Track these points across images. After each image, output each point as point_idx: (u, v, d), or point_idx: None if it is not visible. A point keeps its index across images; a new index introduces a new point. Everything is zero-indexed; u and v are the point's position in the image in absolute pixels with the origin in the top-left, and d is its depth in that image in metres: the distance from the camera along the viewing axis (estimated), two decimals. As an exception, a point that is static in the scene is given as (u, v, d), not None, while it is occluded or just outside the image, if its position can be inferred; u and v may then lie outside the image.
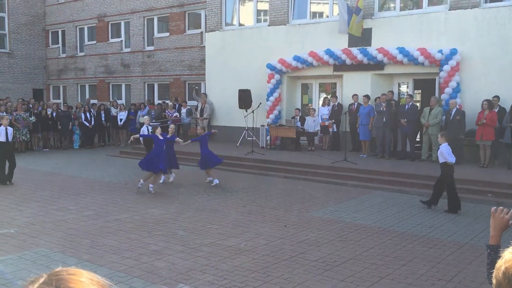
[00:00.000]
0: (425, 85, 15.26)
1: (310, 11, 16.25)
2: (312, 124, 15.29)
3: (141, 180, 10.41)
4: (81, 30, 25.33)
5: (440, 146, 8.76)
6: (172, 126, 11.87)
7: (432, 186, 10.25)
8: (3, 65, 24.94)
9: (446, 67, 12.95)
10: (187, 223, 7.77)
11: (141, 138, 12.48)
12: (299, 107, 16.42)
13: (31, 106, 18.38)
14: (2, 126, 10.86)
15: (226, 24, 18.22)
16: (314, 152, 14.72)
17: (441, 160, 8.79)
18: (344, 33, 14.46)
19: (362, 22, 14.41)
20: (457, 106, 12.47)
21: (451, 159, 8.66)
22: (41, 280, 1.06)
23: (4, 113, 11.93)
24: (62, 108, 19.65)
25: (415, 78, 14.68)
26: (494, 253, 2.16)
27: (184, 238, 6.88)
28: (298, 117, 15.61)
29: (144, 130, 12.38)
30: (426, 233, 7.29)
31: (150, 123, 18.96)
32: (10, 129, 11.08)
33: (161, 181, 11.14)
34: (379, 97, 13.89)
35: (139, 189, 10.34)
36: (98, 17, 24.05)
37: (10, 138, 11.07)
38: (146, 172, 10.53)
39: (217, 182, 10.89)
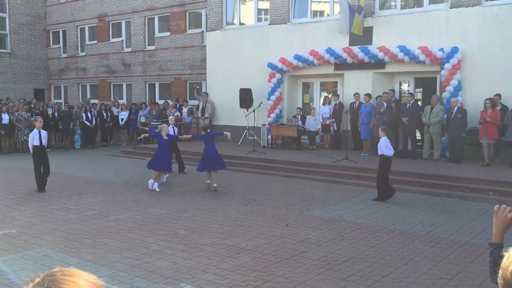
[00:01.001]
0: (426, 84, 15.24)
1: (311, 10, 16.23)
2: (313, 123, 15.28)
3: (151, 180, 10.51)
4: (82, 30, 25.35)
5: (380, 139, 9.35)
6: (171, 118, 12.21)
7: (433, 185, 10.28)
8: (4, 65, 24.97)
9: (447, 66, 12.93)
10: (188, 222, 7.77)
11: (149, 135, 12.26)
12: (300, 106, 16.41)
13: (32, 106, 18.39)
14: (35, 129, 10.08)
15: (227, 23, 18.21)
16: (315, 151, 14.70)
17: (379, 152, 9.39)
18: (345, 32, 14.44)
19: (363, 20, 14.39)
20: (459, 105, 12.45)
21: (388, 152, 9.26)
22: (36, 280, 1.05)
23: (38, 117, 11.13)
24: (63, 108, 19.66)
25: (416, 77, 14.66)
26: (496, 252, 2.16)
27: (185, 238, 6.88)
28: (299, 116, 15.60)
29: (170, 130, 12.22)
30: (427, 232, 7.28)
31: (152, 123, 19.02)
32: (44, 132, 10.13)
33: (163, 180, 11.12)
34: (380, 96, 13.87)
35: (155, 190, 10.38)
36: (99, 17, 24.06)
37: (44, 142, 10.15)
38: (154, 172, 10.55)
39: (164, 180, 10.90)
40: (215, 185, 10.32)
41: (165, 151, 10.62)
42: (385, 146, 9.25)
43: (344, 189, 10.77)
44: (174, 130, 12.27)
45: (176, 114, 18.82)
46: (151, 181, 10.42)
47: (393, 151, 9.49)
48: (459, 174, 10.64)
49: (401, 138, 13.69)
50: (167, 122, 18.78)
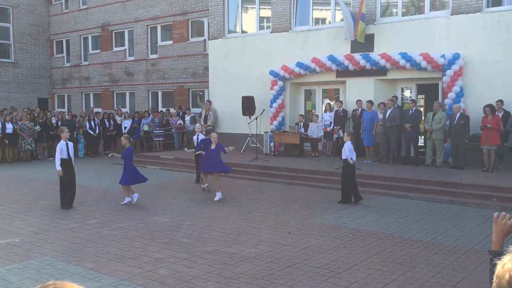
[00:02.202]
0: (428, 90, 15.24)
1: (312, 18, 16.30)
2: (315, 130, 15.29)
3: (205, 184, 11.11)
4: (85, 39, 25.51)
5: (345, 144, 9.76)
6: (198, 126, 12.40)
7: (435, 191, 10.26)
8: (8, 74, 25.12)
9: (449, 72, 12.95)
10: (190, 230, 7.77)
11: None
12: (303, 113, 16.43)
13: (36, 115, 18.49)
14: (62, 140, 9.39)
15: (229, 32, 18.30)
16: (318, 158, 14.71)
17: (343, 157, 9.76)
18: (350, 39, 14.47)
19: (365, 28, 14.44)
20: (461, 111, 12.45)
21: (352, 155, 9.66)
22: None
23: (64, 127, 10.31)
24: (66, 117, 19.75)
25: (418, 83, 14.67)
26: (496, 259, 2.16)
27: (188, 246, 6.88)
28: (301, 123, 15.62)
29: (195, 139, 12.20)
30: (430, 239, 7.26)
31: (155, 131, 19.09)
32: (70, 144, 9.56)
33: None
34: (383, 103, 13.89)
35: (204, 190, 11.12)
36: (102, 26, 24.22)
37: (72, 154, 9.51)
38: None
39: (136, 199, 9.85)
40: (205, 185, 11.11)
41: (215, 156, 10.62)
42: (348, 150, 9.65)
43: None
44: (198, 138, 12.15)
45: (178, 122, 18.91)
46: (219, 193, 10.22)
47: (355, 155, 9.95)
48: (461, 180, 10.62)
49: (404, 145, 13.68)
50: (170, 131, 18.85)
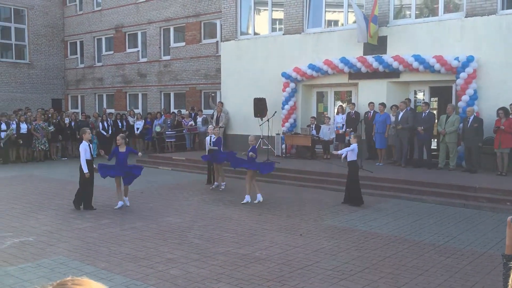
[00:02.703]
0: (442, 93, 15.13)
1: (325, 20, 16.27)
2: (327, 132, 15.25)
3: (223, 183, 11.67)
4: (99, 40, 25.74)
5: (351, 145, 9.81)
6: (210, 127, 12.53)
7: (448, 195, 10.18)
8: (23, 75, 25.43)
9: (463, 74, 12.84)
10: (202, 231, 7.80)
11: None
12: (315, 115, 16.40)
13: (50, 115, 18.69)
14: (84, 141, 9.36)
15: (242, 33, 18.34)
16: (329, 161, 14.66)
17: (349, 159, 9.85)
18: (363, 41, 14.40)
19: (377, 30, 14.38)
20: (475, 114, 12.33)
21: (352, 156, 9.79)
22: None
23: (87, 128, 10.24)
24: (80, 118, 19.94)
25: (431, 86, 14.56)
26: (511, 264, 2.14)
27: (199, 247, 6.91)
28: (313, 125, 15.59)
29: (207, 140, 12.19)
30: (443, 242, 7.20)
31: (167, 132, 19.18)
32: (92, 145, 9.62)
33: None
34: (395, 105, 13.82)
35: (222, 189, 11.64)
36: (115, 28, 24.42)
37: (94, 154, 9.57)
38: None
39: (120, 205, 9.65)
40: (216, 183, 11.77)
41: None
42: (352, 151, 9.77)
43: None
44: (211, 139, 12.24)
45: (190, 123, 18.98)
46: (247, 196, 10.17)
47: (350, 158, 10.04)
48: (475, 184, 10.51)
49: (416, 148, 13.59)
50: (181, 132, 18.93)
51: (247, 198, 10.12)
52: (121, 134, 10.46)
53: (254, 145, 10.59)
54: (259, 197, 10.17)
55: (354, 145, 9.80)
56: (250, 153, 10.26)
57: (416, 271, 5.94)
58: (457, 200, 10.00)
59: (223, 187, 11.79)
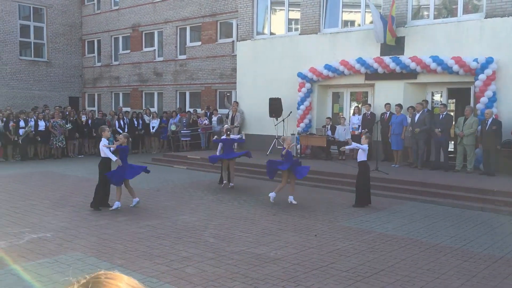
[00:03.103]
0: (460, 95, 14.96)
1: (341, 20, 16.20)
2: (342, 133, 15.17)
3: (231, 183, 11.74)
4: (116, 39, 25.97)
5: (362, 146, 9.74)
6: (226, 126, 12.61)
7: (465, 198, 10.07)
8: (41, 73, 25.78)
9: (482, 76, 12.68)
10: (217, 230, 7.82)
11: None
12: (330, 116, 16.33)
13: (67, 113, 18.91)
14: (103, 138, 9.37)
15: (258, 33, 18.35)
16: (344, 161, 14.59)
17: (358, 159, 9.87)
18: (381, 41, 14.30)
19: (395, 30, 14.27)
20: (493, 116, 12.17)
21: (363, 156, 9.76)
22: (82, 281, 1.09)
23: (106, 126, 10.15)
24: (97, 116, 20.14)
25: (449, 87, 14.40)
26: None
27: (214, 245, 6.93)
28: (328, 126, 15.53)
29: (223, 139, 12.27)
30: (460, 246, 7.11)
31: (182, 131, 19.28)
32: (110, 142, 9.39)
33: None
34: (412, 106, 13.70)
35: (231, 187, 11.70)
36: (132, 27, 24.62)
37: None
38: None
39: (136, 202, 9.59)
40: (225, 181, 11.85)
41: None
42: (362, 150, 9.78)
43: (374, 200, 10.62)
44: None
45: (204, 122, 19.05)
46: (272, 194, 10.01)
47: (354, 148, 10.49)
48: (493, 187, 10.37)
49: (433, 150, 13.46)
50: (197, 131, 19.00)
51: (291, 198, 10.02)
52: (124, 133, 10.45)
53: (289, 150, 10.34)
54: (291, 199, 10.05)
55: (365, 146, 9.77)
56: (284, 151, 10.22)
57: (432, 274, 5.88)
58: (474, 204, 9.88)
59: (231, 185, 11.75)
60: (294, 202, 10.00)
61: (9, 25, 24.26)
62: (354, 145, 10.35)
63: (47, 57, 26.13)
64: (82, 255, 6.40)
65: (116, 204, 9.30)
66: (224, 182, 12.00)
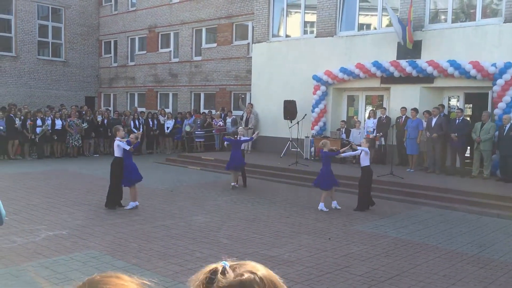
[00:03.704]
0: (477, 99, 14.78)
1: (358, 23, 16.13)
2: (357, 136, 15.07)
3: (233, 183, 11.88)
4: (132, 40, 26.19)
5: (363, 150, 9.84)
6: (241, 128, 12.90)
7: (482, 204, 9.95)
8: (58, 73, 26.08)
9: (500, 81, 12.52)
10: (231, 231, 7.83)
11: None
12: (345, 119, 16.26)
13: (84, 113, 19.10)
14: (117, 137, 9.36)
15: (273, 36, 18.35)
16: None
17: (363, 164, 9.90)
18: (404, 40, 14.15)
19: (413, 34, 14.16)
20: (511, 122, 12.01)
21: (365, 160, 9.87)
22: (87, 279, 1.11)
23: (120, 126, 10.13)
24: (112, 116, 20.31)
25: (466, 92, 14.25)
26: None
27: (228, 247, 6.94)
28: (343, 129, 15.46)
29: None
30: (476, 252, 7.03)
31: (196, 132, 19.35)
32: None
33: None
34: (427, 111, 13.58)
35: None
36: (149, 28, 24.80)
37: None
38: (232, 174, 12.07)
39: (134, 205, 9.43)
40: (233, 183, 11.81)
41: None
42: (368, 158, 9.85)
43: (388, 204, 10.56)
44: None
45: (219, 123, 19.10)
46: (321, 204, 9.73)
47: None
48: (510, 193, 10.23)
49: (449, 155, 13.31)
50: (211, 132, 19.05)
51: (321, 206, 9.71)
52: (135, 133, 10.48)
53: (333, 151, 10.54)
54: (335, 204, 9.95)
55: (366, 149, 9.86)
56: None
57: (448, 280, 5.81)
58: (491, 210, 9.74)
59: (233, 185, 11.89)
60: (338, 207, 9.88)
61: (28, 25, 24.61)
62: (347, 153, 10.45)
63: (65, 57, 26.44)
64: (97, 253, 6.46)
65: (131, 204, 9.35)
66: (232, 184, 11.97)
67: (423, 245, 7.33)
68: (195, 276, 1.14)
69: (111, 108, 25.88)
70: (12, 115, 16.87)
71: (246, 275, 1.10)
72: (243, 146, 12.51)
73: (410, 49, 14.20)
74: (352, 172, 13.04)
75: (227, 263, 1.14)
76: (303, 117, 15.75)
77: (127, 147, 9.29)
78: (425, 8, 14.35)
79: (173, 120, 20.40)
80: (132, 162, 9.52)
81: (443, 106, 14.03)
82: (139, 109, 22.39)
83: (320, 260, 6.44)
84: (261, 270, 1.15)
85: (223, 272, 1.11)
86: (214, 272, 1.11)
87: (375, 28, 15.89)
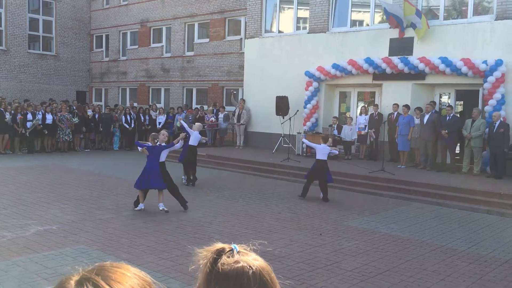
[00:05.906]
0: (468, 96, 14.87)
1: (350, 19, 16.14)
2: (349, 132, 15.13)
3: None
4: (124, 34, 26.01)
5: (321, 145, 10.37)
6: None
7: (472, 200, 10.03)
8: (49, 67, 25.86)
9: (491, 78, 12.60)
10: (222, 227, 7.82)
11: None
12: (337, 116, 16.29)
13: (74, 108, 18.95)
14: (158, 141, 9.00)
15: (266, 31, 18.32)
16: (350, 161, 14.55)
17: (318, 157, 10.37)
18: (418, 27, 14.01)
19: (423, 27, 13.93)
20: (501, 119, 12.10)
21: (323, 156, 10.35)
22: (88, 269, 1.10)
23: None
24: (104, 111, 20.19)
25: (458, 89, 14.33)
26: None
27: (219, 242, 6.91)
28: (335, 126, 15.49)
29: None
30: (466, 248, 7.08)
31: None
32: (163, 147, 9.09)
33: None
34: (419, 107, 13.64)
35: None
36: (140, 23, 24.64)
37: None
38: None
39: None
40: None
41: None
42: (322, 153, 10.31)
43: (379, 200, 10.61)
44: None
45: (211, 119, 19.05)
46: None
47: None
48: (499, 190, 10.31)
49: (440, 151, 13.39)
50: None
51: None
52: (163, 131, 9.79)
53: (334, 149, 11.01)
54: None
55: (324, 146, 10.32)
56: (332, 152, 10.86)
57: (438, 275, 5.85)
58: (480, 206, 9.83)
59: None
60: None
61: (18, 18, 24.35)
62: (322, 156, 10.37)
63: (55, 51, 26.21)
64: (87, 248, 6.42)
65: (140, 206, 8.89)
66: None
67: (414, 241, 7.38)
68: (203, 253, 1.23)
69: (102, 103, 25.72)
70: (2, 109, 16.70)
71: (241, 263, 1.16)
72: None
73: (401, 46, 14.21)
74: (346, 168, 13.09)
75: (237, 247, 1.20)
76: (295, 113, 15.76)
77: (140, 147, 9.21)
78: (418, 5, 14.38)
79: (165, 115, 20.31)
80: (154, 167, 8.79)
81: (434, 102, 14.10)
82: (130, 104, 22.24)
83: (311, 255, 6.46)
84: (260, 265, 1.20)
85: (229, 255, 1.18)
86: (220, 251, 1.20)
87: (367, 25, 15.91)
